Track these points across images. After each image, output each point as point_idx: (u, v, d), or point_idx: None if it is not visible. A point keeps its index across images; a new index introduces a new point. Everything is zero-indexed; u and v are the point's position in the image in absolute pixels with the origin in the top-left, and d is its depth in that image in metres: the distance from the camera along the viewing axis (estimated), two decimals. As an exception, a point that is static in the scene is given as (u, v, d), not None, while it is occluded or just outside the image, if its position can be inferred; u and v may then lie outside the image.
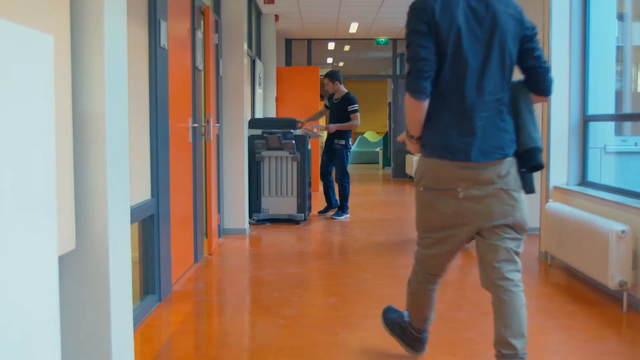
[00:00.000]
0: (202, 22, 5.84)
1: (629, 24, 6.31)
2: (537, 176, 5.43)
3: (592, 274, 4.33)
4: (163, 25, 4.26)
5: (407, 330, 3.24)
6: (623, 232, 4.01)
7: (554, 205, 5.09)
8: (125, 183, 2.83)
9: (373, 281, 4.85)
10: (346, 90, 8.03)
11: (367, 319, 3.94)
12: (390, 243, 6.33)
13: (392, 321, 3.31)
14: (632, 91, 6.28)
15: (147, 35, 4.07)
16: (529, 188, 2.77)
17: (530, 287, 4.77)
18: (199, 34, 5.52)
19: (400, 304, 4.12)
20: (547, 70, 2.77)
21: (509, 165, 2.69)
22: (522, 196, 2.74)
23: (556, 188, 5.33)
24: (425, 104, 2.65)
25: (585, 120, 5.30)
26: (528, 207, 2.78)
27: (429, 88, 2.62)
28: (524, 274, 2.92)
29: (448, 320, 3.86)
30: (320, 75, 11.75)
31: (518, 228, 2.75)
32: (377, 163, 18.26)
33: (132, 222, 3.43)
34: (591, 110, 5.30)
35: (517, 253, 2.76)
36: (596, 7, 5.30)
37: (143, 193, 4.00)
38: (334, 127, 7.94)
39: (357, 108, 7.84)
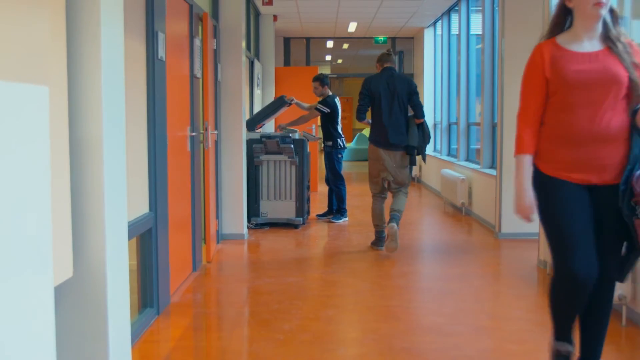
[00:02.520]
0: (200, 28, 5.81)
1: (628, 21, 6.30)
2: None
3: (591, 287, 4.32)
4: (161, 37, 4.23)
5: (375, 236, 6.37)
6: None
7: (553, 214, 5.07)
8: (123, 208, 2.81)
9: (372, 291, 4.84)
10: (330, 93, 8.05)
11: (365, 333, 3.93)
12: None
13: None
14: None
15: (145, 48, 4.04)
16: (413, 163, 6.14)
17: (528, 297, 4.77)
18: (197, 42, 5.49)
19: (400, 317, 4.12)
20: (420, 107, 6.11)
21: (402, 153, 6.06)
22: (406, 170, 6.13)
23: (555, 197, 5.31)
24: (365, 121, 6.18)
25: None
26: (410, 174, 6.21)
27: (363, 117, 6.14)
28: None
29: (447, 336, 3.86)
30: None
31: (403, 184, 6.15)
32: (376, 160, 18.25)
33: (130, 237, 3.41)
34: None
35: (405, 192, 6.20)
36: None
37: (141, 207, 3.98)
38: (283, 125, 8.02)
39: (321, 108, 7.84)
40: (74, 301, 2.59)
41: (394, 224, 5.89)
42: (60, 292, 2.53)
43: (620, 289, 4.01)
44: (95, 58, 2.59)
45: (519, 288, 4.97)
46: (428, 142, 6.15)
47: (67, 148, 2.43)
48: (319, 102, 7.93)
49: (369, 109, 6.13)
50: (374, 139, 6.11)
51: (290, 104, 7.91)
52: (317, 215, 8.27)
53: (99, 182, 2.56)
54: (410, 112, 6.12)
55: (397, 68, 6.17)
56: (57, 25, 2.44)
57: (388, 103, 6.01)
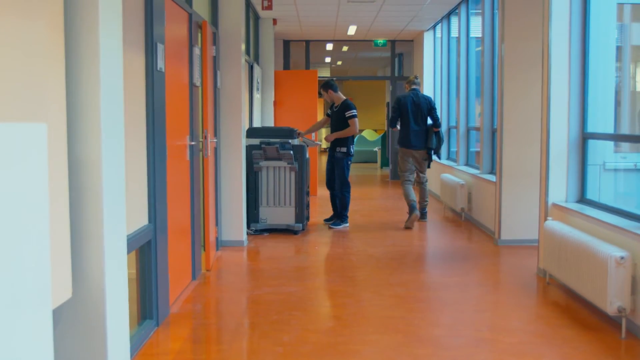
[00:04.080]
0: (199, 36, 5.80)
1: (627, 24, 6.30)
2: (535, 194, 5.51)
3: (591, 298, 4.32)
4: (160, 48, 4.23)
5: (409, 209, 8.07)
6: (622, 258, 4.00)
7: (553, 224, 5.07)
8: (122, 226, 2.81)
9: (372, 301, 4.83)
10: (344, 97, 8.03)
11: (365, 346, 3.93)
12: (388, 257, 6.32)
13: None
14: (631, 90, 6.26)
15: (144, 59, 4.04)
16: (430, 162, 8.36)
17: (527, 308, 4.76)
18: (197, 50, 5.48)
19: (400, 328, 4.11)
20: (438, 119, 8.25)
21: (423, 152, 8.21)
22: (426, 162, 8.30)
23: (555, 205, 5.31)
24: (395, 128, 8.34)
25: (585, 138, 5.27)
26: (429, 166, 8.43)
27: (395, 124, 8.26)
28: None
29: (446, 349, 3.85)
30: (319, 77, 11.75)
31: (423, 171, 8.41)
32: (375, 162, 18.24)
33: (129, 251, 3.41)
34: (590, 121, 5.26)
35: (426, 181, 8.51)
36: (596, 17, 5.25)
37: (140, 219, 3.98)
38: (332, 136, 7.93)
39: (354, 114, 7.82)
40: (72, 321, 2.58)
41: (418, 212, 7.95)
42: (59, 312, 2.52)
43: (620, 301, 4.01)
44: (94, 76, 2.58)
45: (519, 297, 4.97)
46: (442, 144, 8.29)
47: (66, 168, 2.43)
48: (341, 109, 7.86)
49: (399, 119, 8.19)
50: (402, 142, 8.23)
51: (296, 138, 7.75)
52: (325, 220, 8.25)
53: (98, 201, 2.55)
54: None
55: (421, 89, 8.46)
56: (55, 40, 2.43)
57: (413, 115, 8.09)
